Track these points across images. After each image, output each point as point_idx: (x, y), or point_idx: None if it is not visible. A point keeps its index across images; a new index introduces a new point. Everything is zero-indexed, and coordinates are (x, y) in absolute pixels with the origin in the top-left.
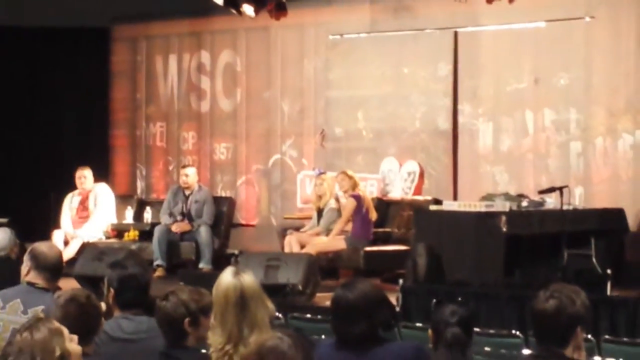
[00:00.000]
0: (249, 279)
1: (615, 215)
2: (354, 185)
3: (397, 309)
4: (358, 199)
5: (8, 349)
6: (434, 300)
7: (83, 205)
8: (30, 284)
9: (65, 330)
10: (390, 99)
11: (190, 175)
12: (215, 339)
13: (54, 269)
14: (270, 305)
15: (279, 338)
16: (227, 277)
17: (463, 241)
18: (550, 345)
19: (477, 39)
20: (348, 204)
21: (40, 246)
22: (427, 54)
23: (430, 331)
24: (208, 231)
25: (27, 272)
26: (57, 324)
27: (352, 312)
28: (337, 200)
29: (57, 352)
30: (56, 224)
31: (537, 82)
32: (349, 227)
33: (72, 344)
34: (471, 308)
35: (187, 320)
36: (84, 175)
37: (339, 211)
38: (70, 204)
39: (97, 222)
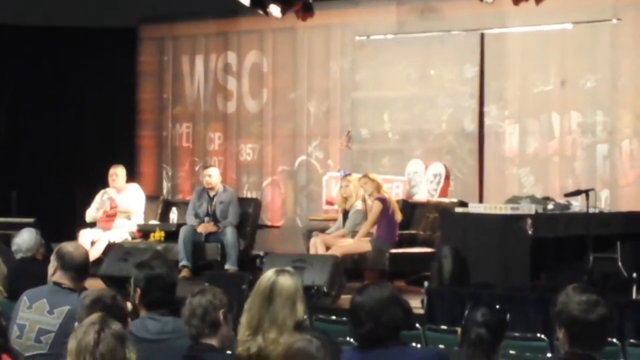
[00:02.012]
0: (287, 279)
1: None
2: (378, 188)
3: (422, 311)
4: (384, 201)
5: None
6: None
7: (112, 203)
8: (56, 284)
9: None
10: (416, 100)
11: (213, 176)
12: (242, 322)
13: (80, 269)
14: (300, 310)
15: (307, 340)
16: (270, 271)
17: (489, 244)
18: (586, 349)
19: (503, 41)
20: (374, 207)
21: (67, 246)
22: (453, 56)
23: (459, 329)
24: (234, 232)
25: (54, 272)
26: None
27: (358, 313)
28: (364, 201)
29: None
30: (82, 224)
31: (564, 85)
32: (374, 229)
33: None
34: (503, 314)
35: (222, 311)
36: (116, 173)
37: (365, 212)
38: (101, 198)
39: (124, 223)
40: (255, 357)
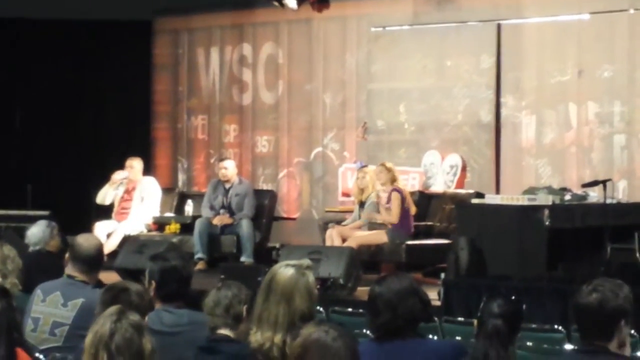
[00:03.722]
0: (286, 273)
1: None
2: (393, 179)
3: (439, 303)
4: (400, 192)
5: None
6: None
7: (128, 195)
8: (70, 276)
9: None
10: (432, 91)
11: (229, 168)
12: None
13: (90, 260)
14: (302, 305)
15: (324, 331)
16: (279, 264)
17: (505, 235)
18: (594, 340)
19: (520, 31)
20: (394, 198)
21: (78, 238)
22: (470, 47)
23: (476, 321)
24: (249, 224)
25: (67, 264)
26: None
27: (376, 303)
28: (377, 195)
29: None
30: (98, 216)
31: (581, 75)
32: (390, 220)
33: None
34: (519, 305)
35: (246, 307)
36: (132, 165)
37: (377, 205)
38: (116, 190)
39: (139, 216)
40: (257, 352)
